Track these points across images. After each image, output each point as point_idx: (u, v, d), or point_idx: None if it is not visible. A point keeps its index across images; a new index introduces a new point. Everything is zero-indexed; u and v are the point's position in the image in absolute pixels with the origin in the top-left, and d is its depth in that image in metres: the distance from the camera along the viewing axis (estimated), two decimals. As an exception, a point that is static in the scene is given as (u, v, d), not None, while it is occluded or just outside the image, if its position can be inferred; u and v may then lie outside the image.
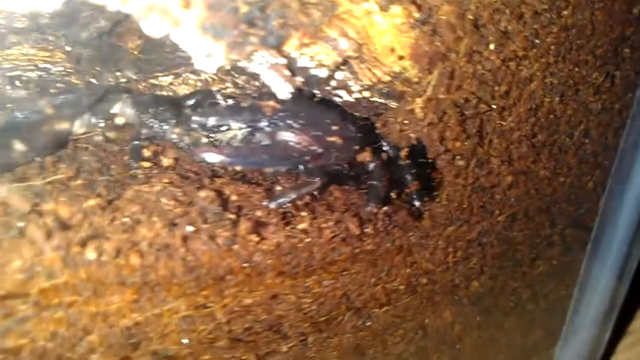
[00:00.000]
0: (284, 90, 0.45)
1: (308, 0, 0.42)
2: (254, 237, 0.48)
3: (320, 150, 0.49)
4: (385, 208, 0.53)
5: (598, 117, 0.58)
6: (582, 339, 0.81)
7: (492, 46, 0.49)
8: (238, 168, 0.50)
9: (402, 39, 0.46)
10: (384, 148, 0.54)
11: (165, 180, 0.51)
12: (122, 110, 0.59)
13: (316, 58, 0.45)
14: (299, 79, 0.46)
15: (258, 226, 0.48)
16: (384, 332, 0.60)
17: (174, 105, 0.56)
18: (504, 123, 0.53)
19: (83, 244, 0.43)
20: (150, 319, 0.47)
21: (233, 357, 0.53)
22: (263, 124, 0.48)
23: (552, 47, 0.51)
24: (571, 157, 0.60)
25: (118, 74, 0.64)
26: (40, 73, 0.60)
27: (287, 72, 0.45)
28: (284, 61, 0.44)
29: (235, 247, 0.47)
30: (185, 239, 0.46)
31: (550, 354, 0.80)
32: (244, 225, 0.47)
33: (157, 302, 0.46)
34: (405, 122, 0.52)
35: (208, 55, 0.41)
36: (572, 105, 0.56)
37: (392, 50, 0.47)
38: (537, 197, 0.60)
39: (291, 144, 0.49)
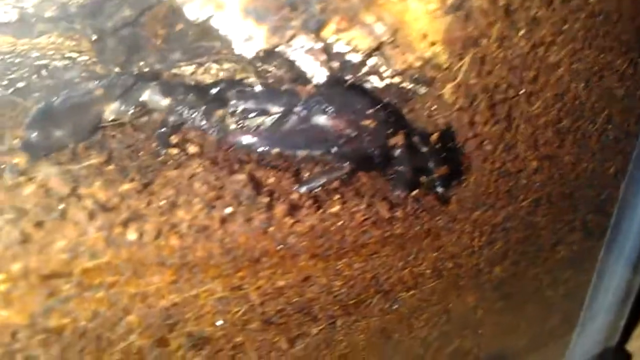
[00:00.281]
0: (319, 75, 0.46)
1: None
2: (289, 220, 0.48)
3: (354, 134, 0.50)
4: (414, 192, 0.54)
5: (621, 103, 0.59)
6: (599, 325, 0.83)
7: (522, 32, 0.50)
8: (272, 151, 0.50)
9: (435, 25, 0.47)
10: (412, 133, 0.55)
11: (196, 165, 0.52)
12: (151, 98, 0.60)
13: (352, 43, 0.46)
14: (334, 64, 0.46)
15: (292, 209, 0.49)
16: (410, 316, 0.61)
17: (203, 92, 0.57)
18: (531, 108, 0.54)
19: (124, 225, 0.44)
20: (187, 300, 0.48)
21: (264, 339, 0.54)
22: (297, 108, 0.49)
23: (580, 33, 0.52)
24: (594, 143, 0.61)
25: (141, 63, 0.65)
26: (66, 62, 0.61)
27: (324, 57, 0.46)
28: (321, 46, 0.45)
29: (270, 229, 0.48)
30: (222, 221, 0.47)
31: (567, 340, 0.81)
32: (279, 208, 0.48)
33: (194, 283, 0.47)
34: (434, 107, 0.53)
35: (248, 39, 0.42)
36: (596, 91, 0.57)
37: (425, 35, 0.48)
38: (560, 182, 0.61)
39: (325, 127, 0.49)
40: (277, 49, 0.44)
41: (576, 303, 0.78)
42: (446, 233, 0.57)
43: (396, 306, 0.59)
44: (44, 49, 0.58)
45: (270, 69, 0.55)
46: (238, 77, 0.61)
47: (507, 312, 0.71)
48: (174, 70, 0.65)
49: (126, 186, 0.48)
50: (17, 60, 0.58)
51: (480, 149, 0.54)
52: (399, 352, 0.64)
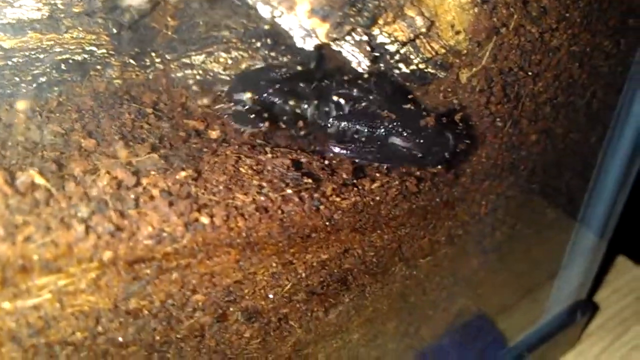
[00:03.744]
0: (363, 64, 0.53)
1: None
2: (335, 198, 0.56)
3: (420, 154, 0.59)
4: (438, 168, 0.62)
5: (605, 79, 0.70)
6: (573, 280, 0.95)
7: (533, 20, 0.59)
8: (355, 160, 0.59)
9: (463, 17, 0.55)
10: (431, 114, 0.63)
11: (233, 151, 0.58)
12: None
13: (393, 35, 0.53)
14: (375, 54, 0.53)
15: (338, 188, 0.56)
16: (425, 280, 0.70)
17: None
18: (535, 87, 0.63)
19: (197, 210, 0.49)
20: (247, 277, 0.54)
21: (306, 309, 0.61)
22: (380, 129, 0.57)
23: (578, 19, 0.61)
24: (581, 116, 0.71)
25: (153, 54, 0.70)
26: (85, 56, 0.64)
27: (368, 48, 0.53)
28: (367, 38, 0.52)
29: (320, 207, 0.55)
30: (277, 202, 0.53)
31: (548, 292, 0.93)
32: (327, 188, 0.55)
33: (254, 262, 0.54)
34: (453, 90, 0.61)
35: (310, 35, 0.48)
36: (586, 70, 0.67)
37: (453, 26, 0.56)
38: (552, 152, 0.71)
39: (400, 147, 0.58)
40: (332, 43, 0.50)
41: (556, 260, 0.90)
42: (460, 203, 0.66)
43: (415, 272, 0.68)
44: (66, 44, 0.62)
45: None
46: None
47: (502, 271, 0.81)
48: (184, 60, 0.70)
49: (183, 174, 0.53)
50: (41, 56, 0.61)
51: (492, 125, 0.63)
52: (413, 314, 0.73)
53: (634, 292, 1.15)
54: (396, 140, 0.59)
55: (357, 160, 0.58)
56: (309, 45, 0.49)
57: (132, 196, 0.49)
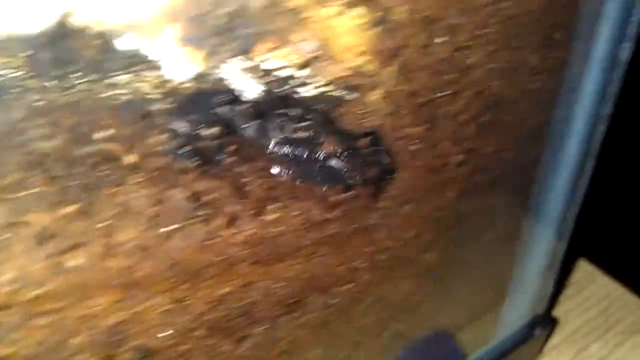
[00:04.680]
0: (251, 91, 0.50)
1: (276, 6, 0.47)
2: (229, 231, 0.53)
3: (356, 175, 0.59)
4: (348, 193, 0.59)
5: (536, 96, 0.66)
6: (527, 295, 0.93)
7: (441, 40, 0.55)
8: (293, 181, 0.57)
9: (361, 38, 0.52)
10: (343, 137, 0.60)
11: (136, 180, 0.55)
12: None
13: (282, 60, 0.50)
14: (265, 80, 0.51)
15: (232, 220, 0.53)
16: (349, 308, 0.68)
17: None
18: (453, 107, 0.60)
19: (69, 250, 0.47)
20: (133, 316, 0.52)
21: (210, 344, 0.59)
22: (317, 151, 0.57)
23: (494, 37, 0.58)
24: (514, 133, 0.68)
25: (76, 75, 0.67)
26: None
27: (255, 74, 0.50)
28: (252, 64, 0.49)
29: (212, 241, 0.52)
30: (164, 237, 0.50)
31: (499, 311, 0.90)
32: (219, 220, 0.53)
33: (140, 300, 0.51)
34: (364, 112, 0.58)
35: (184, 64, 0.46)
36: (514, 87, 0.64)
37: (352, 48, 0.53)
38: (484, 171, 0.68)
39: (336, 168, 0.58)
40: (210, 71, 0.48)
41: (505, 276, 0.87)
42: (378, 229, 0.63)
43: (334, 300, 0.65)
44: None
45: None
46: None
47: (441, 294, 0.79)
48: (108, 81, 0.67)
49: (70, 208, 0.51)
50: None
51: (408, 148, 0.60)
52: (339, 341, 0.71)
53: (600, 302, 1.13)
54: (333, 162, 0.58)
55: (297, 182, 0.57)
56: (186, 75, 0.46)
57: (4, 237, 0.47)
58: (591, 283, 1.13)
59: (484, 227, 0.75)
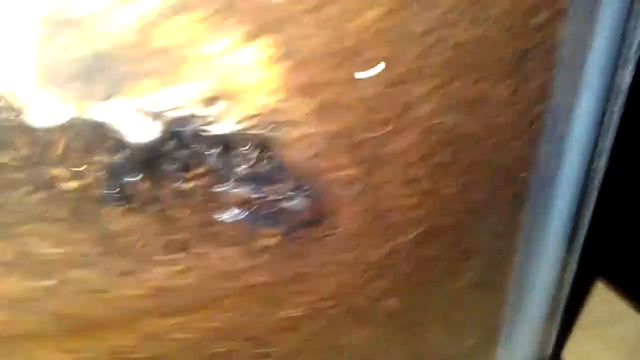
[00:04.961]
0: (141, 135, 0.46)
1: (160, 44, 0.42)
2: (125, 282, 0.49)
3: (311, 216, 0.55)
4: (274, 240, 0.53)
5: (506, 130, 0.58)
6: (526, 336, 0.84)
7: (374, 71, 0.49)
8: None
9: (271, 73, 0.46)
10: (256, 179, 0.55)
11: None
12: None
13: (174, 100, 0.45)
14: (158, 122, 0.46)
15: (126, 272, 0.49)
16: (291, 356, 0.62)
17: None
18: (397, 146, 0.53)
19: None
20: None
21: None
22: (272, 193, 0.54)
23: (442, 68, 0.50)
24: (482, 171, 0.60)
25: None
26: None
27: (142, 117, 0.45)
28: (138, 106, 0.44)
29: (105, 295, 0.48)
30: (46, 291, 0.47)
31: (492, 356, 0.82)
32: (115, 271, 0.48)
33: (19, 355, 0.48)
34: (289, 153, 0.52)
35: (53, 108, 0.41)
36: (476, 121, 0.56)
37: (261, 85, 0.47)
38: (448, 213, 0.61)
39: (291, 210, 0.54)
40: (87, 115, 0.43)
41: (494, 317, 0.79)
42: (317, 276, 0.57)
43: (271, 350, 0.60)
44: None
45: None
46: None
47: (412, 340, 0.72)
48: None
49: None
50: None
51: (345, 191, 0.54)
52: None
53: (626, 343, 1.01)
54: (288, 204, 0.54)
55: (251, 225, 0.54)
56: (58, 120, 0.42)
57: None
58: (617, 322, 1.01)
59: (456, 271, 0.67)
